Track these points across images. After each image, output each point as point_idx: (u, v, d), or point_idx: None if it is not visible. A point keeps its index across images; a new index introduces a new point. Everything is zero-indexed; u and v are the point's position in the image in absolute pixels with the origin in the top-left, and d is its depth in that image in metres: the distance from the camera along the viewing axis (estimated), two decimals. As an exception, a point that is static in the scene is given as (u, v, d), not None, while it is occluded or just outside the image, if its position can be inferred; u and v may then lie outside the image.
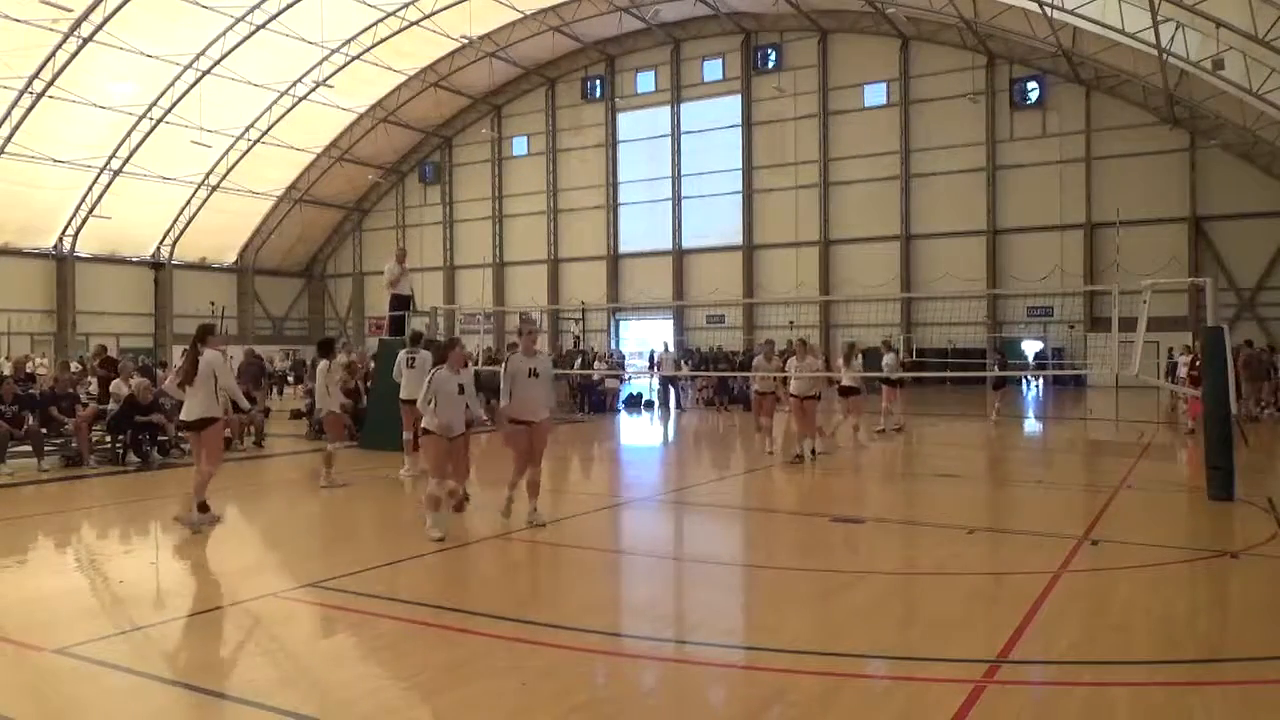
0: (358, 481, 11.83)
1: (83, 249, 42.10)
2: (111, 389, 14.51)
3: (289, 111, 41.58)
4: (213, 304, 43.17)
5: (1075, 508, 10.18)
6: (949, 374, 30.28)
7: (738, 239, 41.45)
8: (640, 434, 20.79)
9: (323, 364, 11.75)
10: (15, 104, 34.39)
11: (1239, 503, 9.59)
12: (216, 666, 5.18)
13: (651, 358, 29.78)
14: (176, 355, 23.07)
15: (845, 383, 15.89)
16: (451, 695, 4.69)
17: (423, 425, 8.40)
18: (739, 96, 41.68)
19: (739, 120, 41.70)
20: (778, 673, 4.94)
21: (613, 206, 44.90)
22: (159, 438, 13.69)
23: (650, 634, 5.73)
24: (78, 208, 40.31)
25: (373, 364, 18.33)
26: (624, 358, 36.11)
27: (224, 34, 35.74)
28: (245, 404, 10.57)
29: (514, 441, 8.83)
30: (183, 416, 9.03)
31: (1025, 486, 11.96)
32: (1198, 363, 13.92)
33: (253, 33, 35.85)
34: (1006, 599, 6.33)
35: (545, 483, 13.39)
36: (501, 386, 8.66)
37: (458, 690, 4.76)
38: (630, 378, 30.54)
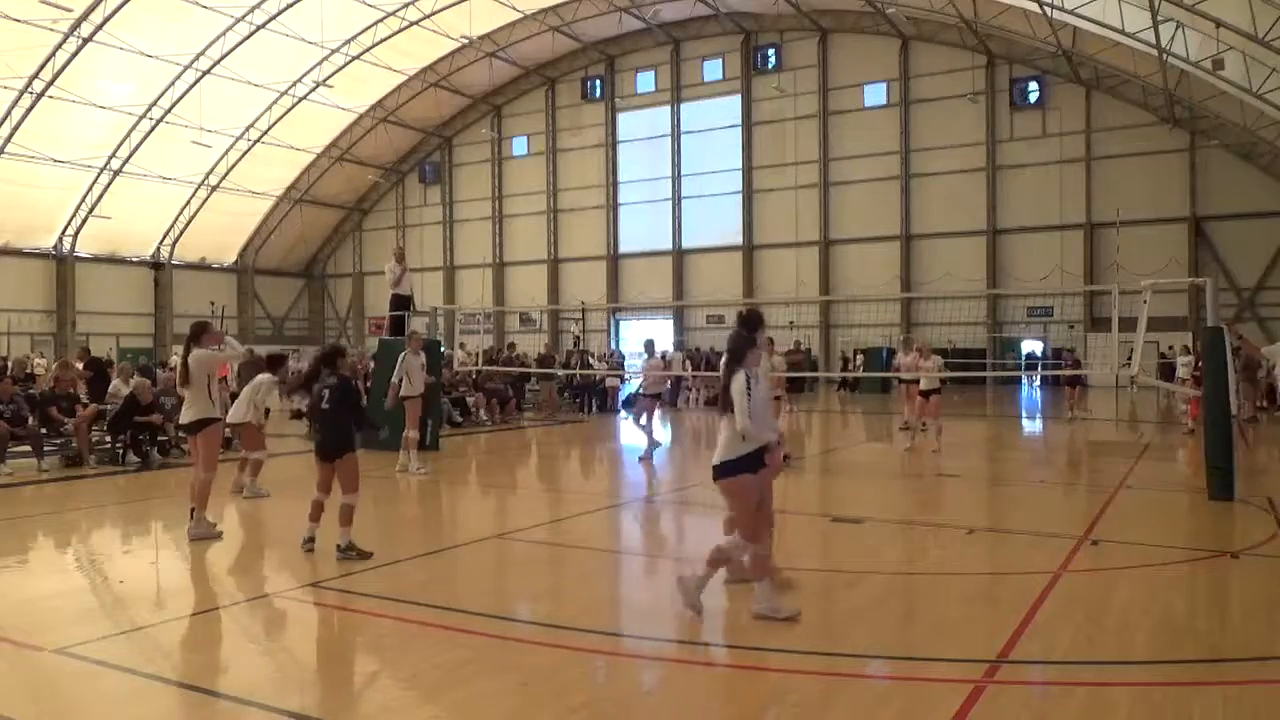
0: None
1: (83, 249, 42.10)
2: (111, 389, 14.52)
3: (289, 111, 41.58)
4: (213, 304, 43.09)
5: (1075, 508, 10.19)
6: (991, 373, 30.15)
7: (738, 239, 41.46)
8: (641, 433, 20.75)
9: (265, 378, 10.94)
10: (15, 104, 34.40)
11: (1239, 503, 9.60)
12: (217, 666, 5.18)
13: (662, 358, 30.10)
14: (176, 355, 23.09)
15: (924, 385, 15.30)
16: (451, 695, 4.69)
17: (722, 458, 5.68)
18: (739, 96, 41.69)
19: (739, 120, 41.70)
20: (778, 673, 4.94)
21: (613, 206, 44.90)
22: (159, 438, 13.69)
23: (650, 634, 5.72)
24: (78, 208, 40.31)
25: (373, 364, 18.33)
26: (624, 358, 36.13)
27: (224, 34, 35.75)
28: (213, 414, 10.12)
29: (765, 485, 5.92)
30: (180, 419, 8.79)
31: (1025, 486, 11.95)
32: (1200, 363, 13.92)
33: (253, 33, 35.85)
34: (1006, 599, 6.33)
35: (544, 483, 13.44)
36: (743, 404, 5.64)
37: (458, 690, 4.75)
38: (630, 377, 30.52)
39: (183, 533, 8.47)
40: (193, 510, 8.43)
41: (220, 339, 8.91)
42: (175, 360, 12.46)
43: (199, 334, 8.58)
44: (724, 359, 5.94)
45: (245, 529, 9.43)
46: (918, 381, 15.24)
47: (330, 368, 7.71)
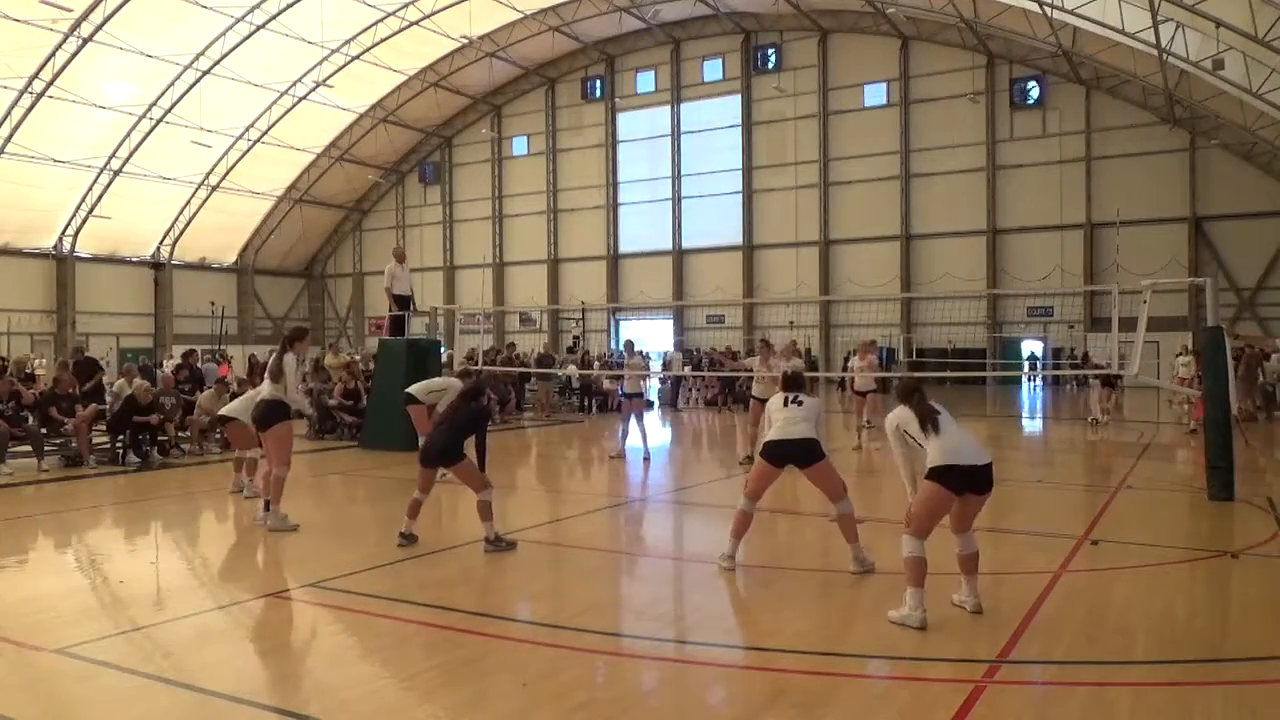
0: (362, 481, 11.78)
1: (83, 249, 42.11)
2: (115, 389, 14.47)
3: (289, 111, 41.59)
4: (213, 304, 43.23)
5: (1075, 508, 10.18)
6: (991, 373, 30.26)
7: (738, 239, 41.47)
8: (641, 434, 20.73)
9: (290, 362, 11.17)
10: (15, 104, 34.40)
11: (1239, 503, 9.59)
12: (216, 666, 5.17)
13: (663, 359, 30.42)
14: (177, 355, 23.03)
15: (858, 386, 15.74)
16: (451, 695, 4.69)
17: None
18: (739, 96, 41.70)
19: (739, 120, 41.71)
20: (778, 673, 4.94)
21: (613, 206, 44.91)
22: (158, 437, 13.69)
23: (650, 634, 5.72)
24: (78, 208, 40.32)
25: (373, 364, 18.34)
26: (624, 358, 36.18)
27: (224, 34, 35.75)
28: (307, 410, 10.41)
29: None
30: (252, 414, 9.10)
31: (1025, 486, 11.95)
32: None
33: (253, 33, 35.86)
34: (1006, 599, 6.32)
35: (542, 483, 13.44)
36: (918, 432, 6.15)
37: (458, 690, 4.75)
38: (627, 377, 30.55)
39: (181, 533, 8.49)
40: (266, 503, 8.73)
41: (307, 347, 9.36)
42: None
43: (295, 339, 9.09)
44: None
45: (244, 528, 9.42)
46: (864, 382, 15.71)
47: (476, 399, 8.29)
